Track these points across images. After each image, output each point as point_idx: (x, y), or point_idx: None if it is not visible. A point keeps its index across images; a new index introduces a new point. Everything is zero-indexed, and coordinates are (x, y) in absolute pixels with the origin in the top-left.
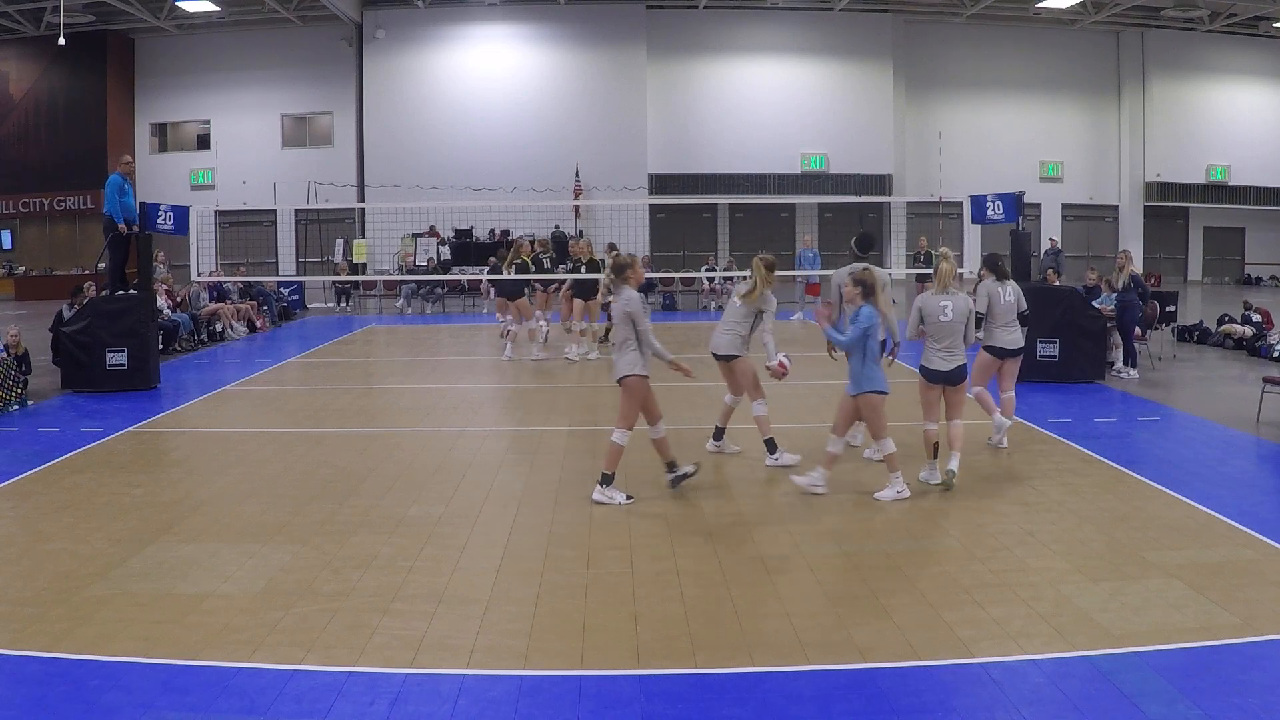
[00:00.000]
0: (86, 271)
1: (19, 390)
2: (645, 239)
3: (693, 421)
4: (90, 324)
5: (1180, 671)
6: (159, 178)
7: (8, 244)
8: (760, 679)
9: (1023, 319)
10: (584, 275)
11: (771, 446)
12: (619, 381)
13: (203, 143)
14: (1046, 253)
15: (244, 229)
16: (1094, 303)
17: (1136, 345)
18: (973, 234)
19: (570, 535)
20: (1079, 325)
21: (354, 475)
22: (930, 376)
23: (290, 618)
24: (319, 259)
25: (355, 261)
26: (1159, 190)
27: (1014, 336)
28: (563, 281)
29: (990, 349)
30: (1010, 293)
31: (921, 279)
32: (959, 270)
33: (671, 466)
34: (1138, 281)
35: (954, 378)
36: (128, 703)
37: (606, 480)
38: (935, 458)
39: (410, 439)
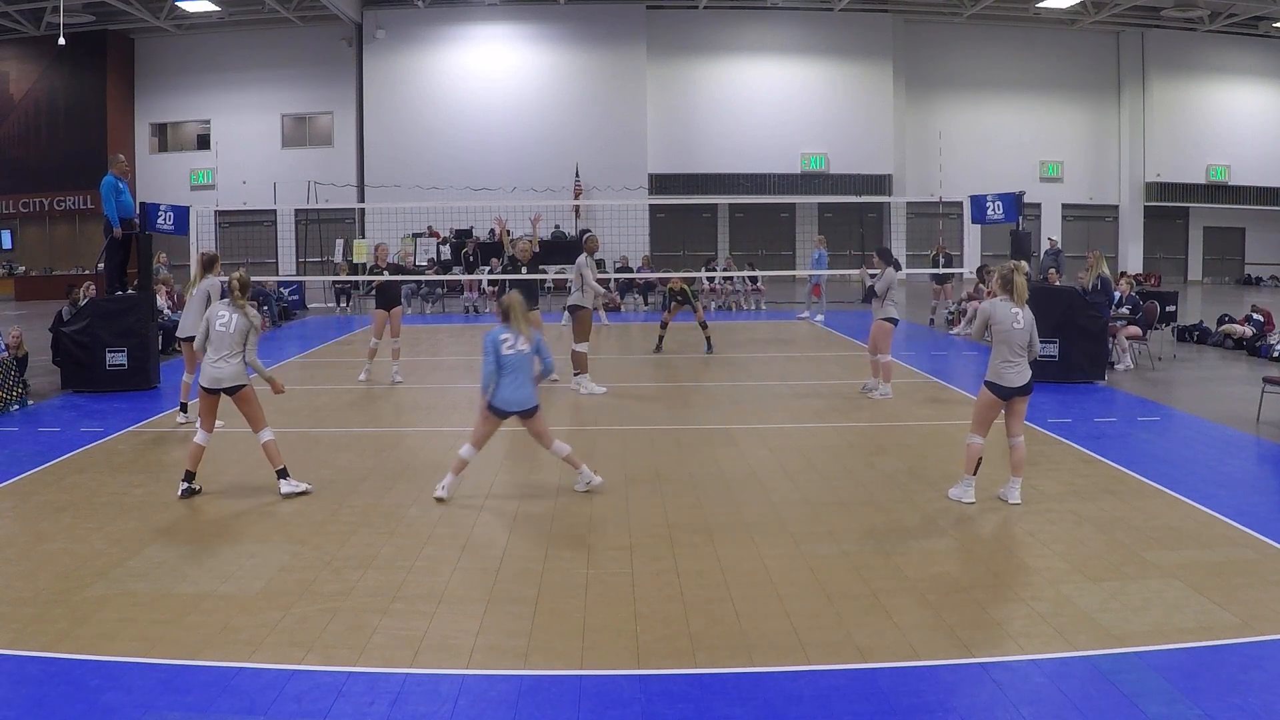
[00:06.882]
0: (86, 271)
1: (19, 390)
2: (645, 239)
3: (691, 422)
4: (90, 324)
5: (1180, 671)
6: (159, 178)
7: (8, 244)
8: (760, 679)
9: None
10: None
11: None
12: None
13: (203, 143)
14: (1046, 253)
15: (244, 229)
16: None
17: (1137, 345)
18: (973, 234)
19: (570, 535)
20: (1079, 325)
21: (354, 475)
22: (1001, 393)
23: (290, 618)
24: (319, 259)
25: (355, 261)
26: (1159, 190)
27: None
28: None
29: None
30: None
31: (940, 280)
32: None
33: None
34: (1105, 284)
35: (1026, 390)
36: (128, 703)
37: None
38: (974, 474)
39: (410, 439)
